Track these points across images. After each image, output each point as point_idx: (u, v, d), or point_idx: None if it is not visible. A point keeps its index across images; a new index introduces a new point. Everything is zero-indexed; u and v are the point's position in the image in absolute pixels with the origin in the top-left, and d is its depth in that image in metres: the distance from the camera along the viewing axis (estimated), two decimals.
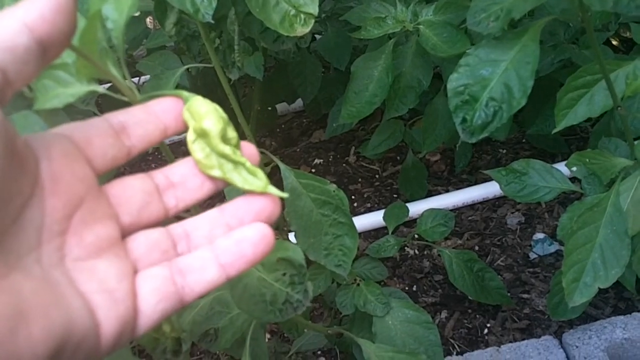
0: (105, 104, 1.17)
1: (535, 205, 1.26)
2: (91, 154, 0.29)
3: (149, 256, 0.29)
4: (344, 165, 1.48)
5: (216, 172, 0.31)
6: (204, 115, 0.31)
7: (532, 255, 1.18)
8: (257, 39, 1.04)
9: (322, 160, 1.51)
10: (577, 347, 0.96)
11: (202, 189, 0.32)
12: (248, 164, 0.31)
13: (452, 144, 1.34)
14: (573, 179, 0.95)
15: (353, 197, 1.38)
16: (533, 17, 0.72)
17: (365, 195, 1.39)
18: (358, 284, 0.94)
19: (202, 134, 0.31)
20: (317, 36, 1.33)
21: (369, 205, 1.37)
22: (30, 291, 0.24)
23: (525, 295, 1.12)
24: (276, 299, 0.55)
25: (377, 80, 0.97)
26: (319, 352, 1.09)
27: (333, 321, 1.11)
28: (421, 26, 0.93)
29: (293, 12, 0.69)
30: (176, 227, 0.31)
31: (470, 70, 0.64)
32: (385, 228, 1.27)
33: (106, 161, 0.29)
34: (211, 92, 1.21)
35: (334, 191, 0.75)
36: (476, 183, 1.33)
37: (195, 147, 0.31)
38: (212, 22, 0.61)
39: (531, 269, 1.16)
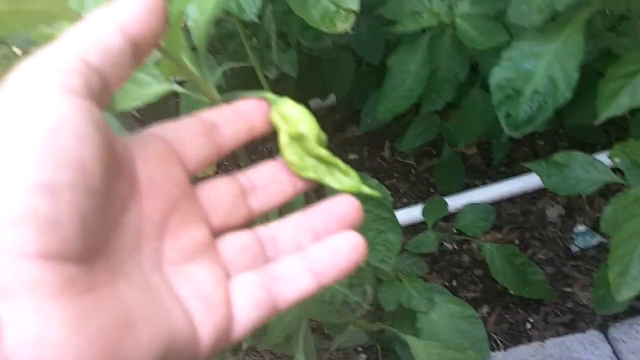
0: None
1: (576, 197, 1.26)
2: (184, 154, 0.29)
3: (241, 260, 0.30)
4: (379, 160, 1.49)
5: (311, 174, 0.32)
6: (300, 120, 0.32)
7: (574, 249, 1.17)
8: (293, 37, 1.05)
9: (356, 156, 1.51)
10: (624, 341, 0.95)
11: (283, 193, 0.32)
12: (341, 164, 0.32)
13: (489, 137, 1.34)
14: (615, 170, 0.95)
15: (389, 192, 1.38)
16: (575, 7, 0.72)
17: (401, 191, 1.40)
18: (400, 280, 0.94)
19: (298, 138, 0.32)
20: (349, 32, 1.33)
21: (405, 200, 1.37)
22: (135, 299, 0.24)
23: (568, 289, 1.11)
24: (334, 300, 0.55)
25: (414, 75, 0.98)
26: (360, 349, 1.10)
27: (374, 318, 1.12)
28: (458, 19, 0.93)
29: (334, 8, 0.70)
30: (263, 231, 0.31)
31: (513, 64, 0.65)
32: (422, 223, 1.27)
33: (199, 161, 0.30)
34: (245, 91, 1.23)
35: (376, 187, 0.76)
36: (514, 176, 1.32)
37: (290, 150, 0.32)
38: (258, 22, 0.62)
39: (573, 263, 1.15)
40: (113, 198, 0.25)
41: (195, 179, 0.31)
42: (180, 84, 0.42)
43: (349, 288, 0.55)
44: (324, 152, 0.32)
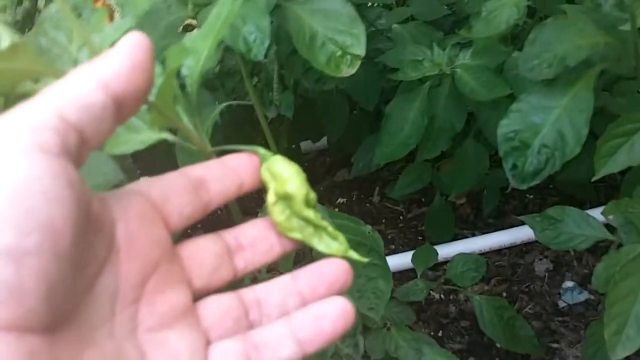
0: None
1: (564, 252, 1.25)
2: (168, 212, 0.28)
3: (222, 325, 0.28)
4: (367, 205, 1.48)
5: (297, 235, 0.31)
6: (288, 178, 0.31)
7: (561, 304, 1.16)
8: (292, 78, 1.04)
9: (345, 200, 1.50)
10: None
11: (270, 252, 0.31)
12: (330, 228, 0.31)
13: (480, 188, 1.33)
14: (607, 227, 0.94)
15: None
16: (586, 63, 0.72)
17: (389, 237, 1.38)
18: (388, 328, 0.92)
19: (285, 197, 0.31)
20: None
21: (392, 247, 1.36)
22: None
23: (554, 345, 1.10)
24: (325, 351, 0.53)
25: (412, 122, 0.97)
26: None
27: None
28: (458, 70, 0.93)
29: (340, 53, 0.69)
30: (247, 293, 0.30)
31: (521, 116, 0.64)
32: (409, 271, 1.26)
33: (182, 219, 0.29)
34: (240, 129, 1.22)
35: (369, 232, 0.74)
36: (503, 228, 1.32)
37: (276, 209, 0.31)
38: (265, 60, 0.61)
39: (560, 318, 1.14)
40: (87, 261, 0.24)
41: (179, 235, 0.29)
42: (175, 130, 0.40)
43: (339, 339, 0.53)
44: (311, 214, 0.31)
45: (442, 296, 1.23)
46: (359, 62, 0.69)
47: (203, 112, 0.91)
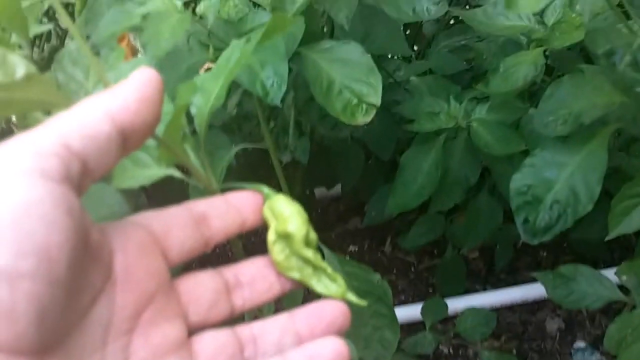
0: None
1: (576, 311, 1.23)
2: (168, 245, 0.28)
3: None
4: (379, 254, 1.47)
5: (295, 275, 0.31)
6: (289, 217, 0.31)
7: None
8: (308, 125, 1.05)
9: (356, 248, 1.49)
10: None
11: (269, 291, 0.31)
12: (329, 269, 0.31)
13: (493, 242, 1.32)
14: (620, 288, 0.93)
15: None
16: (601, 121, 0.72)
17: (399, 288, 1.37)
18: None
19: (285, 236, 0.31)
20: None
21: (402, 297, 1.35)
22: None
23: None
24: None
25: (426, 173, 0.97)
26: None
27: None
28: (474, 123, 0.93)
29: (355, 101, 0.69)
30: (244, 330, 0.29)
31: (534, 171, 0.64)
32: (418, 323, 1.24)
33: (182, 253, 0.29)
34: (254, 172, 1.22)
35: (377, 281, 0.73)
36: (515, 284, 1.30)
37: (276, 248, 0.31)
38: (280, 105, 0.61)
39: None
40: (82, 289, 0.24)
41: (179, 269, 0.29)
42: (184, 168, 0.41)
43: None
44: (310, 254, 0.31)
45: (451, 350, 1.21)
46: (374, 111, 0.69)
47: (218, 153, 0.91)
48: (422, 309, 1.13)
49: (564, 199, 0.62)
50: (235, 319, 0.30)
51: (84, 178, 0.23)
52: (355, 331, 0.75)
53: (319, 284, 0.31)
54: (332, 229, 1.56)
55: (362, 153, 1.33)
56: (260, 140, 1.00)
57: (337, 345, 0.28)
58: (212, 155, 0.92)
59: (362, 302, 0.31)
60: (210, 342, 0.28)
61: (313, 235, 0.32)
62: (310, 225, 0.32)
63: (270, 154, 0.86)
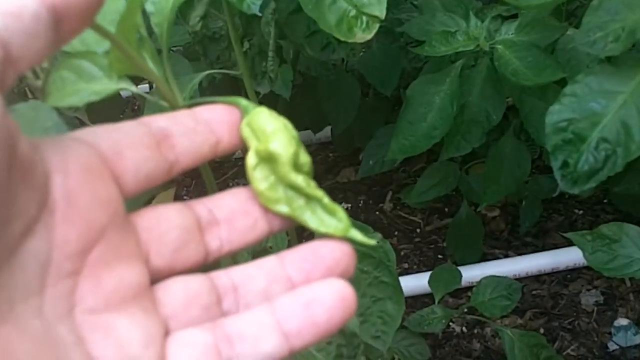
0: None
1: (618, 282, 1.24)
2: (121, 169, 0.27)
3: (186, 313, 0.27)
4: (377, 213, 1.47)
5: (283, 208, 0.30)
6: (272, 134, 0.30)
7: (612, 346, 1.15)
8: (293, 47, 1.03)
9: (350, 205, 1.50)
10: None
11: (253, 230, 0.30)
12: (326, 199, 0.30)
13: (518, 197, 1.32)
14: None
15: None
16: None
17: (402, 253, 1.37)
18: None
19: (268, 159, 0.30)
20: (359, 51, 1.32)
21: (406, 265, 1.36)
22: (25, 354, 0.22)
23: None
24: None
25: (438, 109, 0.96)
26: None
27: None
28: (499, 46, 0.92)
29: (353, 12, 0.67)
30: (221, 276, 0.29)
31: (577, 102, 0.63)
32: (425, 296, 1.25)
33: (139, 179, 0.28)
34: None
35: (377, 242, 0.73)
36: (543, 249, 1.31)
37: (258, 174, 0.30)
38: (259, 14, 0.59)
39: None
40: (9, 215, 0.23)
41: (136, 204, 0.29)
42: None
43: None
44: (301, 181, 0.30)
45: (465, 329, 1.22)
46: (376, 26, 0.67)
47: (180, 82, 0.90)
48: (430, 278, 1.12)
49: (614, 136, 0.61)
50: (210, 265, 0.30)
51: (6, 67, 0.22)
52: None
53: (313, 219, 0.30)
54: (319, 181, 1.52)
55: (358, 86, 1.32)
56: (231, 66, 0.98)
57: (340, 288, 0.27)
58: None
59: (370, 241, 0.30)
60: (178, 290, 0.28)
61: (305, 158, 0.31)
62: (300, 144, 0.31)
63: (244, 84, 0.84)
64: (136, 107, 1.67)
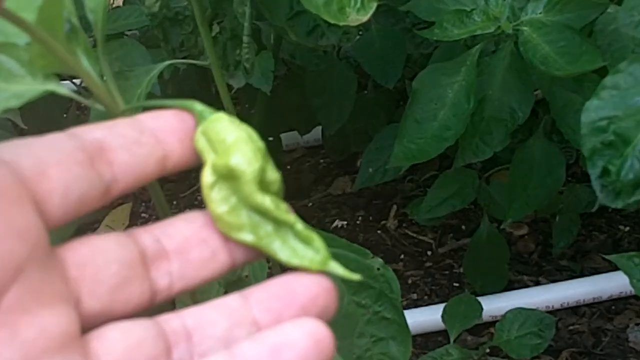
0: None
1: None
2: (45, 191, 0.27)
3: None
4: (378, 232, 1.47)
5: (247, 237, 0.30)
6: (233, 145, 0.30)
7: None
8: (266, 31, 1.03)
9: (345, 223, 1.50)
10: None
11: (211, 263, 0.30)
12: (299, 225, 0.30)
13: (550, 212, 1.32)
14: None
15: None
16: None
17: (409, 281, 1.37)
18: None
19: (228, 176, 0.30)
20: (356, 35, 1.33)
21: (414, 296, 1.35)
22: None
23: None
24: None
25: (451, 105, 0.96)
26: None
27: None
28: (524, 28, 0.92)
29: None
30: (172, 320, 0.29)
31: (619, 96, 0.63)
32: (438, 334, 1.25)
33: (68, 204, 0.28)
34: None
35: (378, 269, 0.73)
36: (582, 274, 1.31)
37: (215, 195, 0.30)
38: None
39: None
40: None
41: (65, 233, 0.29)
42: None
43: None
44: (268, 202, 0.30)
45: None
46: (374, 5, 0.67)
47: (132, 75, 0.90)
48: (444, 312, 1.13)
49: None
50: (158, 307, 0.30)
51: None
52: (345, 344, 0.75)
53: (284, 249, 0.30)
54: (308, 194, 1.56)
55: (354, 78, 1.32)
56: (197, 54, 0.98)
57: (312, 328, 0.27)
58: (124, 78, 0.90)
59: (355, 276, 0.30)
60: (117, 339, 0.27)
61: (273, 174, 0.31)
62: (268, 158, 0.31)
63: (214, 76, 0.84)
64: (83, 105, 1.67)
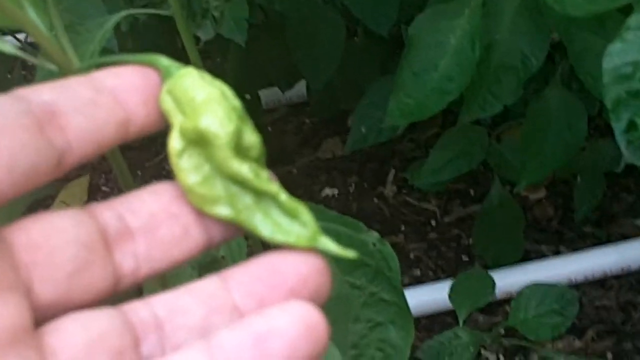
0: None
1: None
2: None
3: None
4: (375, 201, 1.48)
5: (223, 210, 0.30)
6: (203, 105, 0.30)
7: None
8: None
9: (336, 191, 1.51)
10: None
11: (184, 242, 0.30)
12: (283, 195, 0.30)
13: (571, 173, 1.32)
14: None
15: None
16: None
17: (411, 256, 1.38)
18: None
19: (199, 141, 0.30)
20: None
21: (417, 272, 1.36)
22: None
23: None
24: None
25: (453, 52, 0.96)
26: None
27: None
28: None
29: None
30: (140, 309, 0.29)
31: None
32: (445, 314, 1.26)
33: (15, 177, 0.27)
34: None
35: (374, 245, 0.73)
36: (608, 241, 1.32)
37: (185, 163, 0.30)
38: None
39: None
40: None
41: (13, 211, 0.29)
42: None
43: None
44: (246, 170, 0.30)
45: (502, 358, 1.23)
46: None
47: (85, 27, 0.90)
48: (452, 289, 1.14)
49: None
50: (123, 294, 0.30)
51: None
52: (336, 330, 0.75)
53: (266, 224, 0.30)
54: (292, 158, 1.57)
55: (342, 24, 1.32)
56: (159, 3, 0.98)
57: (303, 313, 0.27)
58: (75, 32, 0.90)
59: (349, 253, 0.30)
60: (76, 332, 0.27)
61: (252, 137, 0.31)
62: (245, 118, 0.30)
63: (178, 27, 0.83)
64: (30, 64, 1.66)
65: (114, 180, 1.58)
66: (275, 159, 1.54)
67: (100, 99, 0.30)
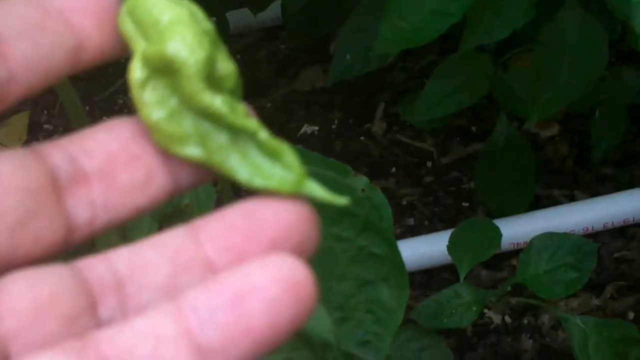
0: None
1: None
2: None
3: (37, 329, 0.27)
4: (362, 139, 1.48)
5: (193, 151, 0.30)
6: (169, 27, 0.29)
7: None
8: None
9: (316, 128, 1.51)
10: None
11: (147, 187, 0.30)
12: (263, 133, 0.29)
13: (588, 106, 1.33)
14: None
15: None
16: None
17: (404, 203, 1.39)
18: None
19: (165, 69, 0.29)
20: None
21: (411, 221, 1.37)
22: None
23: None
24: None
25: None
26: None
27: None
28: None
29: None
30: (96, 266, 0.29)
31: None
32: (444, 269, 1.28)
33: None
34: None
35: (362, 190, 0.74)
36: (631, 185, 1.32)
37: (148, 96, 0.30)
38: None
39: None
40: None
41: None
42: None
43: None
44: (220, 104, 0.29)
45: (509, 319, 1.24)
46: None
47: None
48: (451, 240, 1.14)
49: None
50: (77, 249, 0.29)
51: None
52: (322, 290, 0.76)
53: (244, 166, 0.29)
54: (265, 91, 1.57)
55: None
56: None
57: (287, 268, 0.27)
58: None
59: (341, 200, 0.29)
60: (22, 293, 0.27)
61: (226, 65, 0.30)
62: (219, 44, 0.30)
63: None
64: None
65: (58, 117, 1.57)
66: (246, 91, 1.52)
67: (48, 22, 0.29)
